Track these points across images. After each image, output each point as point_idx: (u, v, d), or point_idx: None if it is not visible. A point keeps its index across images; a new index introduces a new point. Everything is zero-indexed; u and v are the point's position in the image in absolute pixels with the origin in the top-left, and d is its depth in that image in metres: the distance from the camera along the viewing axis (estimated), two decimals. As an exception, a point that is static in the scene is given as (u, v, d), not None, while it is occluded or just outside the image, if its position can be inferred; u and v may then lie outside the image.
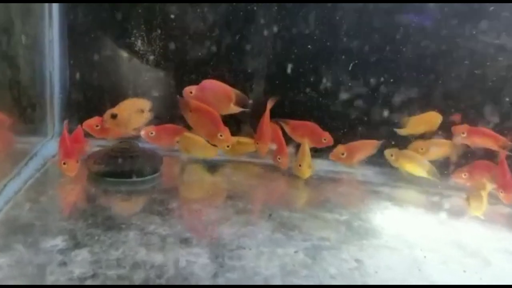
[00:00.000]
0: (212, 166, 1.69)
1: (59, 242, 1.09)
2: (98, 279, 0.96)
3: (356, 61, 1.73)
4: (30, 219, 1.19)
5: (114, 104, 1.54)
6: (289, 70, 1.76)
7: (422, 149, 1.68)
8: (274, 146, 1.67)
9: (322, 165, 1.76)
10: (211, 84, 1.60)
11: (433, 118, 1.69)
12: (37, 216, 1.21)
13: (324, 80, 1.77)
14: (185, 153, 1.68)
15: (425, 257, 1.18)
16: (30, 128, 1.63)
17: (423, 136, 1.71)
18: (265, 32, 1.73)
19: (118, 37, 1.73)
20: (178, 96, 1.59)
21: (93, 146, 1.65)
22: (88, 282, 0.95)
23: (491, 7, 1.60)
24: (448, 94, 1.73)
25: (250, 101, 1.65)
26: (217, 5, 1.70)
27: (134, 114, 1.55)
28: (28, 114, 1.56)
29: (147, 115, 1.59)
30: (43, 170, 1.51)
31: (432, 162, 1.66)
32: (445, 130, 1.68)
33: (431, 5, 1.66)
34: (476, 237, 1.33)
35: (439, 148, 1.68)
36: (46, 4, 1.62)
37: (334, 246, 1.19)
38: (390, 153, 1.73)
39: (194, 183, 1.60)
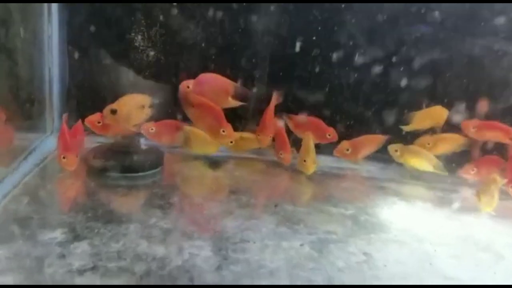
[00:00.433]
0: (213, 162, 1.66)
1: (58, 235, 1.06)
2: (98, 271, 0.93)
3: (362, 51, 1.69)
4: (28, 213, 1.16)
5: (114, 100, 1.51)
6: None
7: (429, 144, 1.65)
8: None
9: (325, 161, 1.72)
10: (209, 78, 1.57)
11: (439, 113, 1.66)
12: (35, 209, 1.18)
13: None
14: (186, 148, 1.64)
15: (435, 251, 1.14)
16: (29, 124, 1.60)
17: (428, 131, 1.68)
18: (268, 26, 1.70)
19: (117, 33, 1.70)
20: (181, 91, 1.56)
21: (93, 143, 1.61)
22: (88, 274, 0.92)
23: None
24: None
25: (254, 89, 1.62)
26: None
27: (134, 109, 1.52)
28: (26, 109, 1.53)
29: (148, 111, 1.55)
30: (42, 165, 1.48)
31: (439, 157, 1.63)
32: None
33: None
34: (487, 232, 1.29)
35: (447, 143, 1.64)
36: (45, 0, 1.60)
37: (341, 240, 1.16)
38: (394, 149, 1.69)
39: (196, 178, 1.57)
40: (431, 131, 1.66)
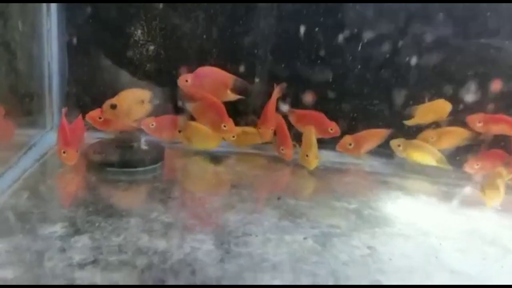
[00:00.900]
0: (214, 157, 1.64)
1: (58, 229, 1.05)
2: (99, 264, 0.92)
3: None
4: (28, 207, 1.15)
5: (114, 95, 1.50)
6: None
7: (432, 138, 1.63)
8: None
9: (327, 156, 1.70)
10: (207, 71, 1.55)
11: (441, 106, 1.64)
12: (35, 204, 1.17)
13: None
14: (187, 143, 1.63)
15: (441, 244, 1.13)
16: (29, 119, 1.59)
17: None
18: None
19: (118, 27, 1.68)
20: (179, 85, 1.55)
21: (93, 139, 1.60)
22: (89, 268, 0.91)
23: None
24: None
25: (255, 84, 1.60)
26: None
27: (134, 104, 1.50)
28: (26, 104, 1.52)
29: (148, 106, 1.54)
30: (42, 161, 1.47)
31: (443, 151, 1.61)
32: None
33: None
34: (493, 225, 1.28)
35: (451, 137, 1.62)
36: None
37: (345, 234, 1.14)
38: (397, 144, 1.67)
39: (197, 173, 1.55)
40: (435, 125, 1.64)
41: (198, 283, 0.89)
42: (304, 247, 1.06)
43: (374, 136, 1.68)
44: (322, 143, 1.62)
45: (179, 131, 1.62)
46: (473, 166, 1.59)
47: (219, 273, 0.92)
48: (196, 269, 0.93)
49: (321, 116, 1.65)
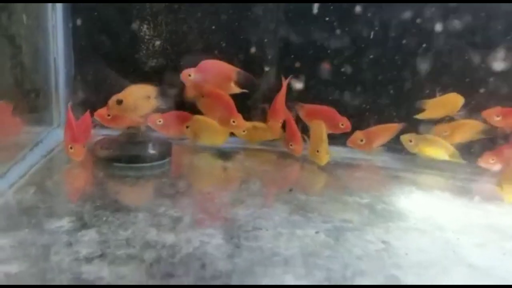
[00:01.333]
0: (223, 153, 1.62)
1: (65, 223, 1.03)
2: (106, 258, 0.90)
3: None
4: (34, 202, 1.13)
5: (121, 91, 1.48)
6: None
7: (446, 132, 1.59)
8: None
9: (337, 151, 1.66)
10: (210, 64, 1.53)
11: (453, 100, 1.60)
12: (42, 199, 1.15)
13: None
14: (194, 138, 1.60)
15: (458, 239, 1.09)
16: (35, 117, 1.57)
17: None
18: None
19: (124, 22, 1.67)
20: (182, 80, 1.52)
21: (100, 136, 1.58)
22: (96, 262, 0.89)
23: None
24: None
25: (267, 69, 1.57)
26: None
27: (140, 100, 1.48)
28: (32, 100, 1.51)
29: (154, 102, 1.52)
30: (49, 157, 1.45)
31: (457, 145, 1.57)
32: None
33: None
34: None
35: (465, 130, 1.58)
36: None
37: (358, 228, 1.11)
38: (408, 139, 1.63)
39: (205, 169, 1.53)
40: (449, 118, 1.60)
41: (208, 277, 0.86)
42: (316, 241, 1.03)
43: (386, 131, 1.64)
44: (330, 139, 1.59)
45: (187, 127, 1.60)
46: (488, 161, 1.54)
47: (229, 267, 0.89)
48: (206, 263, 0.90)
49: (331, 110, 1.61)
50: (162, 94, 1.51)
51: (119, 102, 1.44)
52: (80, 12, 1.65)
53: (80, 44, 1.68)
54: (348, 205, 1.25)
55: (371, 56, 1.66)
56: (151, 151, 1.45)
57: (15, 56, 1.34)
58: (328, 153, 1.51)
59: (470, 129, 1.58)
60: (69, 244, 0.94)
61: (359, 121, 1.67)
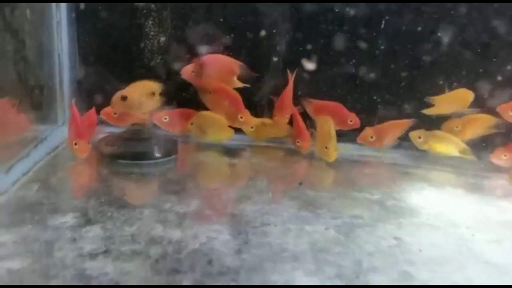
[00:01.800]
0: (229, 150, 1.59)
1: (69, 219, 1.01)
2: (111, 254, 0.87)
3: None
4: (38, 198, 1.11)
5: (124, 87, 1.46)
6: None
7: (457, 127, 1.55)
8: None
9: (346, 148, 1.62)
10: (212, 58, 1.51)
11: (463, 96, 1.56)
12: (46, 195, 1.13)
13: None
14: (199, 134, 1.58)
15: (473, 235, 1.05)
16: (40, 114, 1.55)
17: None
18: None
19: (128, 19, 1.65)
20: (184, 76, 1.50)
21: (104, 133, 1.56)
22: (100, 258, 0.86)
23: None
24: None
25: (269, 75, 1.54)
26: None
27: (144, 97, 1.46)
28: (36, 96, 1.49)
29: (158, 99, 1.50)
30: (54, 154, 1.43)
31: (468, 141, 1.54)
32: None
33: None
34: (527, 216, 1.20)
35: (477, 125, 1.54)
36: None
37: (368, 224, 1.08)
38: (417, 135, 1.58)
39: (212, 165, 1.50)
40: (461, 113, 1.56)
41: (215, 273, 0.83)
42: (326, 237, 1.00)
43: (397, 127, 1.60)
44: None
45: (191, 124, 1.58)
46: (500, 157, 1.50)
47: (237, 262, 0.87)
48: (213, 258, 0.87)
49: (340, 106, 1.58)
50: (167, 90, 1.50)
51: (123, 98, 1.42)
52: (85, 9, 1.63)
53: (85, 41, 1.66)
54: (358, 201, 1.22)
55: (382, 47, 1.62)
56: (157, 153, 1.42)
57: (18, 51, 1.32)
58: (337, 149, 1.48)
59: (482, 123, 1.54)
60: (73, 240, 0.92)
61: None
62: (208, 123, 1.54)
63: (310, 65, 1.59)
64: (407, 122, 1.58)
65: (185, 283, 0.80)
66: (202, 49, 1.56)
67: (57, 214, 1.03)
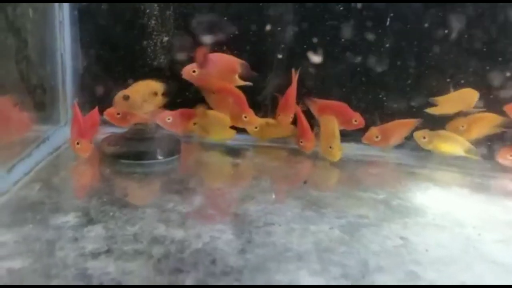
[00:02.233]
0: (232, 150, 1.58)
1: (70, 218, 1.00)
2: (113, 254, 0.86)
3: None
4: (40, 198, 1.10)
5: (127, 86, 1.46)
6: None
7: (463, 126, 1.53)
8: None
9: (350, 148, 1.61)
10: (214, 57, 1.50)
11: (468, 95, 1.54)
12: (47, 195, 1.12)
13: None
14: (202, 134, 1.57)
15: (479, 235, 1.04)
16: (42, 114, 1.54)
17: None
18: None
19: (130, 18, 1.64)
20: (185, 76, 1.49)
21: (106, 134, 1.55)
22: (102, 258, 0.85)
23: None
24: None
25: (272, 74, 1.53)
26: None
27: (147, 96, 1.46)
28: (38, 96, 1.48)
29: (161, 98, 1.49)
30: (56, 154, 1.43)
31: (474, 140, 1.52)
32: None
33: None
34: (534, 216, 1.18)
35: (483, 124, 1.52)
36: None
37: (374, 224, 1.06)
38: (422, 135, 1.57)
39: (214, 165, 1.49)
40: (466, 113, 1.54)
41: (218, 272, 0.82)
42: (330, 237, 0.98)
43: (402, 127, 1.58)
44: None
45: (194, 124, 1.57)
46: (506, 157, 1.49)
47: (240, 262, 0.86)
48: (216, 258, 0.86)
49: (344, 106, 1.57)
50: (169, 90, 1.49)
51: (126, 98, 1.42)
52: (87, 8, 1.63)
53: (87, 41, 1.65)
54: (363, 201, 1.20)
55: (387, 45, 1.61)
56: (160, 153, 1.41)
57: (20, 50, 1.31)
58: (341, 149, 1.47)
59: (488, 122, 1.52)
60: (75, 240, 0.91)
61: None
62: (211, 122, 1.53)
63: (316, 58, 1.57)
64: (412, 122, 1.57)
65: (188, 282, 0.79)
66: (205, 48, 1.55)
67: (58, 213, 1.02)
